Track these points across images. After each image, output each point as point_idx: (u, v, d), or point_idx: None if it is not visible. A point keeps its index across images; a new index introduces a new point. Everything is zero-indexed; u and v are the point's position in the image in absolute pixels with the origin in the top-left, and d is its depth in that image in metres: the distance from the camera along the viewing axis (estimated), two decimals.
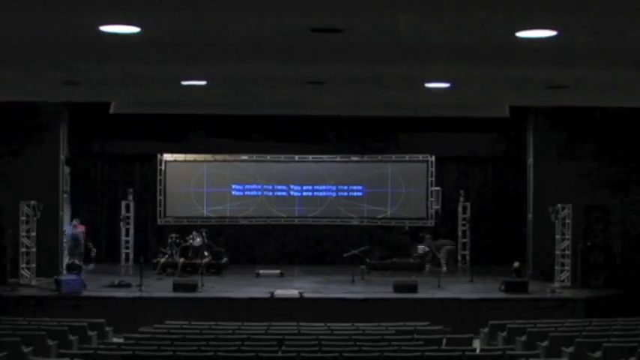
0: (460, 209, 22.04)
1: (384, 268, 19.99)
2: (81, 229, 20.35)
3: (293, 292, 16.57)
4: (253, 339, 11.55)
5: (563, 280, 17.98)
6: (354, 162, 22.53)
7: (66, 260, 19.33)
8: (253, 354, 10.03)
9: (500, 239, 21.62)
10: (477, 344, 13.12)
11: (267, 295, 16.30)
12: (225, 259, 20.36)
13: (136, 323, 13.91)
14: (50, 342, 11.62)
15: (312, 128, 20.95)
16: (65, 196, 20.17)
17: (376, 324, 13.44)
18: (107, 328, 13.61)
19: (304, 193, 22.54)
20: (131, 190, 21.76)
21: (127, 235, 21.69)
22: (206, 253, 19.92)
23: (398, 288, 16.79)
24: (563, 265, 18.10)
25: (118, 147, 21.45)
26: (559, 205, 18.02)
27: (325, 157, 22.44)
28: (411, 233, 21.75)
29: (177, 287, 16.71)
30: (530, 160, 19.73)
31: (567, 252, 18.09)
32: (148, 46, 8.37)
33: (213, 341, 11.26)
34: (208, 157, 22.42)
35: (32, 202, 17.84)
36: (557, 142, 19.19)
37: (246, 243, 22.05)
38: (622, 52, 8.55)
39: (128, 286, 17.20)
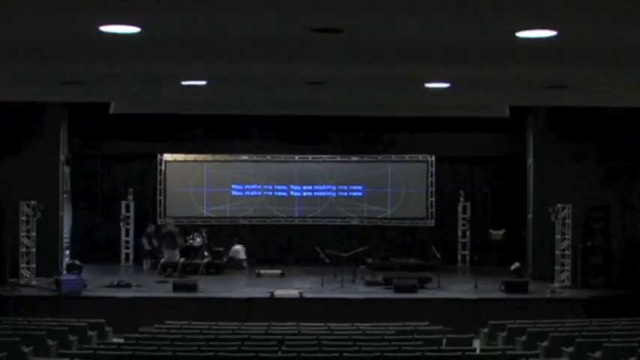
0: (460, 209, 22.03)
1: (385, 269, 19.95)
2: None
3: (293, 292, 16.57)
4: (253, 339, 11.55)
5: (563, 280, 17.97)
6: (354, 162, 22.52)
7: (66, 260, 19.34)
8: (253, 354, 10.02)
9: (500, 239, 21.58)
10: (477, 344, 13.11)
11: (267, 295, 16.29)
12: (225, 259, 20.36)
13: (136, 323, 13.88)
14: (50, 342, 11.60)
15: (312, 128, 20.92)
16: (65, 196, 20.16)
17: (376, 324, 13.43)
18: (107, 328, 13.59)
19: (304, 193, 22.52)
20: (131, 190, 21.75)
21: (127, 235, 21.68)
22: (206, 253, 19.93)
23: (398, 288, 16.80)
24: (563, 265, 18.09)
25: (118, 147, 21.42)
26: (559, 205, 18.00)
27: (325, 157, 22.42)
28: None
29: (177, 287, 16.72)
30: (530, 160, 19.70)
31: (567, 252, 18.07)
32: (148, 46, 8.37)
33: (213, 341, 11.25)
34: (208, 157, 22.41)
35: (32, 202, 17.82)
36: (557, 142, 19.14)
37: (246, 243, 22.01)
38: (622, 52, 8.56)
39: (128, 286, 17.20)
